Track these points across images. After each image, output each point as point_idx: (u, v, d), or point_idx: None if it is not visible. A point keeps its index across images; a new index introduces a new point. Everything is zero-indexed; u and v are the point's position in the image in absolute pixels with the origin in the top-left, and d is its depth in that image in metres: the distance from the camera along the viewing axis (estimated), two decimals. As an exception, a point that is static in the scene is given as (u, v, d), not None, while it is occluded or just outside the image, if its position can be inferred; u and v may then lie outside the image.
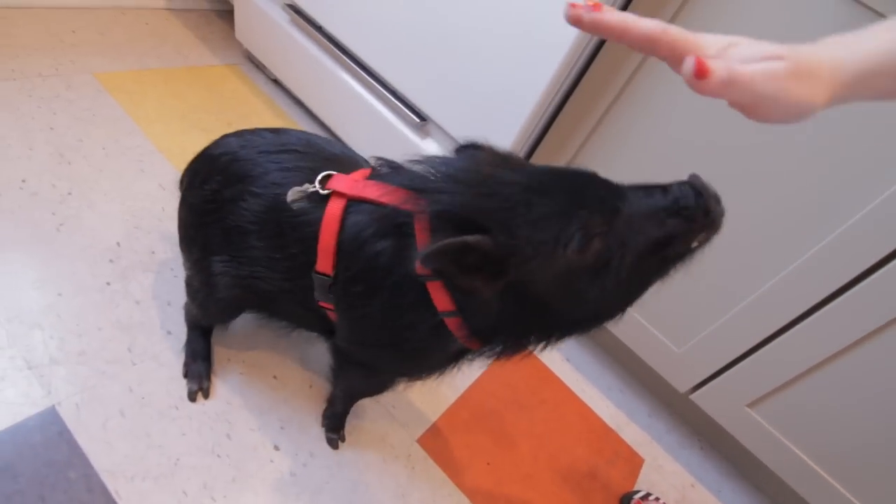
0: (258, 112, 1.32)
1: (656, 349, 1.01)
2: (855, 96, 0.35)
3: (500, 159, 0.51)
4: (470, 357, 0.62)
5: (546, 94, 0.88)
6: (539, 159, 1.01)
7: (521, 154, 0.99)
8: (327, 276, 0.58)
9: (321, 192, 0.56)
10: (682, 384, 1.01)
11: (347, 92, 1.16)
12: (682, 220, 0.45)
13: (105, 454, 0.67)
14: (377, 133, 1.15)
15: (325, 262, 0.57)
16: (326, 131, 1.32)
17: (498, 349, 0.55)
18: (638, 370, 1.18)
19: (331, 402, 0.80)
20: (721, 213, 0.45)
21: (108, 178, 0.97)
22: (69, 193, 0.91)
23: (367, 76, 1.12)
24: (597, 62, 0.88)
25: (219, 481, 0.70)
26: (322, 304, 0.62)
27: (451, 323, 0.53)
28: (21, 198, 0.86)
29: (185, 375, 0.77)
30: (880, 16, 0.66)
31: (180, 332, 0.82)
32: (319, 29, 1.17)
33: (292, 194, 0.56)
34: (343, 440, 0.81)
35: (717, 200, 0.45)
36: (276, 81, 1.43)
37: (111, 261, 0.85)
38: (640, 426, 1.10)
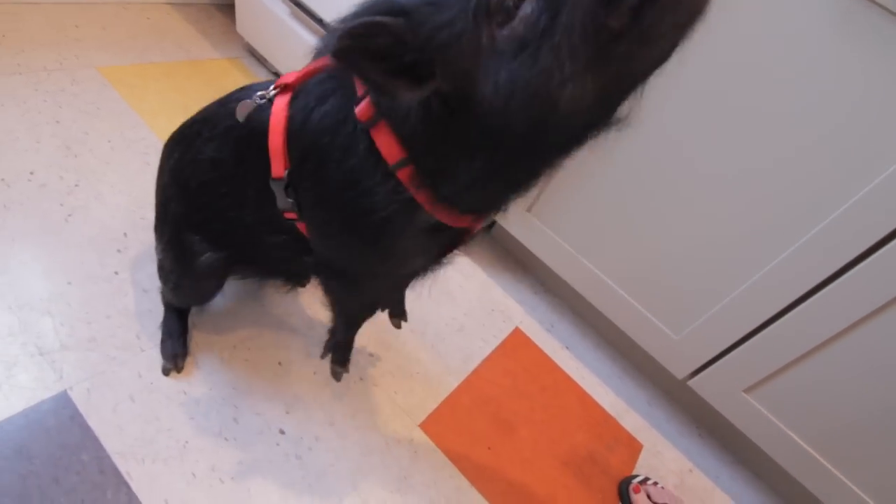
0: (260, 105, 1.33)
1: (654, 336, 1.03)
2: None
3: None
4: (450, 244, 0.57)
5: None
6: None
7: None
8: (281, 178, 0.55)
9: (269, 94, 0.53)
10: (679, 370, 1.02)
11: (348, 84, 1.17)
12: None
13: (116, 437, 0.68)
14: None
15: (277, 165, 0.54)
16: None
17: (464, 205, 0.49)
18: (637, 358, 1.20)
19: (332, 331, 0.78)
20: None
21: (115, 169, 0.98)
22: (76, 185, 0.92)
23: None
24: None
25: (226, 463, 0.72)
26: (287, 215, 0.58)
27: (404, 175, 0.48)
28: (30, 189, 0.88)
29: (161, 353, 0.78)
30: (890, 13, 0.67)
31: (189, 318, 0.83)
32: (320, 21, 1.18)
33: (239, 108, 0.54)
34: (347, 371, 0.79)
35: None
36: (277, 74, 1.45)
37: (119, 251, 0.87)
38: (640, 413, 1.12)
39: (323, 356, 0.81)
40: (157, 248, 0.75)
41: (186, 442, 0.72)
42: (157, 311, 0.82)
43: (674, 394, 1.18)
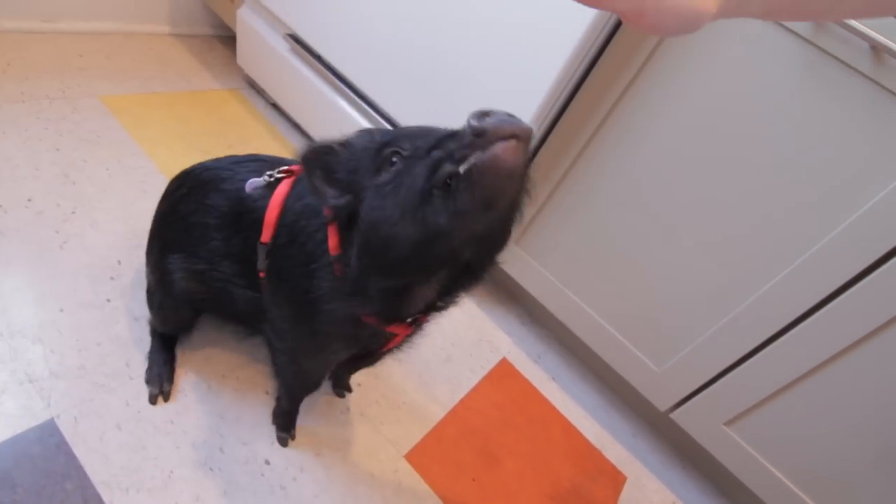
0: (257, 135, 1.36)
1: (637, 368, 1.05)
2: (743, 10, 0.34)
3: None
4: (368, 339, 0.65)
5: (539, 112, 0.93)
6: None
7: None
8: (266, 244, 0.64)
9: (277, 175, 0.64)
10: (662, 403, 1.04)
11: (344, 118, 1.21)
12: (455, 141, 0.44)
13: (101, 466, 0.69)
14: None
15: (267, 233, 0.64)
16: (323, 154, 1.37)
17: (362, 304, 0.55)
18: (621, 390, 1.21)
19: (278, 399, 0.83)
20: (484, 127, 0.40)
21: (111, 197, 1.00)
22: (73, 212, 0.94)
23: (363, 104, 1.17)
24: (593, 75, 0.93)
25: (211, 493, 0.72)
26: (262, 273, 0.67)
27: (337, 268, 0.56)
28: (27, 216, 0.90)
29: (147, 381, 0.79)
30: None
31: (177, 347, 0.84)
32: (318, 58, 1.23)
33: (250, 185, 0.63)
34: (293, 438, 0.82)
35: (485, 115, 0.40)
36: (275, 106, 1.49)
37: (112, 278, 0.89)
38: (624, 445, 1.13)
39: (274, 422, 0.83)
40: (146, 273, 0.79)
41: (171, 471, 0.72)
42: (148, 340, 0.83)
43: (657, 426, 1.20)
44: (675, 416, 1.03)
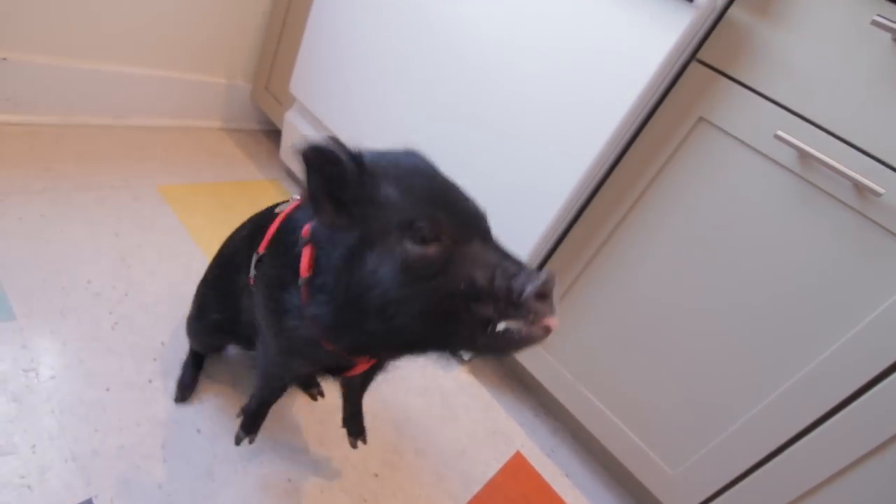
0: (292, 222, 1.48)
1: (651, 470, 1.06)
2: None
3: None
4: (325, 361, 0.66)
5: (553, 223, 1.02)
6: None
7: (538, 260, 1.11)
8: (259, 253, 0.67)
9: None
10: (677, 508, 1.04)
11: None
12: (502, 287, 0.45)
13: (131, 550, 0.71)
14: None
15: (263, 245, 0.67)
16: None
17: (323, 330, 0.55)
18: (635, 490, 1.20)
19: (252, 395, 0.82)
20: (530, 306, 0.44)
21: (159, 280, 1.09)
22: (126, 294, 1.02)
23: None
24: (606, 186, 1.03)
25: (231, 585, 0.73)
26: (250, 280, 0.70)
27: (304, 292, 0.55)
28: (85, 297, 0.98)
29: (178, 385, 0.93)
30: (824, 195, 0.81)
31: (211, 433, 0.89)
32: (355, 158, 1.36)
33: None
34: (251, 442, 0.83)
35: (542, 296, 0.44)
36: (310, 194, 1.61)
37: (155, 359, 0.95)
38: (639, 550, 1.11)
39: (238, 416, 0.84)
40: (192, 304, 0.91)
41: (196, 559, 0.74)
42: (183, 422, 0.88)
43: (673, 531, 1.17)
44: (691, 522, 1.02)
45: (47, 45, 1.25)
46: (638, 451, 1.07)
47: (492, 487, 1.07)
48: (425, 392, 1.19)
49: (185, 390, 0.92)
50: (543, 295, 0.45)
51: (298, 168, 1.53)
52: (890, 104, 0.76)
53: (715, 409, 0.96)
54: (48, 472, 0.74)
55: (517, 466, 1.15)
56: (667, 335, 1.00)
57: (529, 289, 0.44)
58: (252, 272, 0.70)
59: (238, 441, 0.82)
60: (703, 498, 1.00)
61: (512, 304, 0.44)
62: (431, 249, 0.46)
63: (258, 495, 0.85)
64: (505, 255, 0.49)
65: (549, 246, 1.09)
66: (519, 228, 1.05)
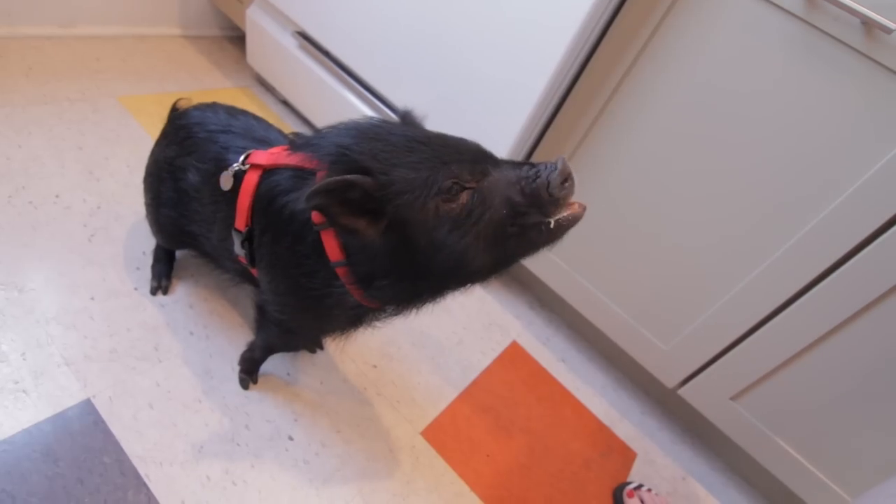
0: (268, 131, 1.40)
1: (644, 347, 1.08)
2: None
3: (405, 122, 0.59)
4: (370, 318, 0.68)
5: (540, 102, 0.96)
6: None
7: (522, 154, 1.07)
8: (241, 232, 0.68)
9: (243, 168, 0.66)
10: (669, 380, 1.07)
11: (353, 111, 1.24)
12: (534, 192, 0.50)
13: (136, 442, 0.73)
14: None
15: (240, 221, 0.67)
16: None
17: (384, 302, 0.61)
18: (629, 369, 1.24)
19: (250, 348, 0.84)
20: (562, 195, 0.50)
21: (133, 192, 1.05)
22: (98, 207, 0.99)
23: (371, 96, 1.20)
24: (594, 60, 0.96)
25: (238, 467, 0.76)
26: (240, 258, 0.71)
27: (341, 271, 0.59)
28: (55, 211, 0.94)
29: (152, 277, 0.92)
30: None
31: (202, 332, 0.89)
32: (327, 54, 1.26)
33: (223, 179, 0.67)
34: (255, 382, 0.86)
35: (565, 181, 0.50)
36: (285, 102, 1.53)
37: (138, 268, 0.93)
38: (633, 423, 1.16)
39: (239, 364, 0.86)
40: (144, 199, 0.86)
41: (201, 447, 0.76)
42: (174, 325, 0.88)
43: (666, 403, 1.22)
44: (683, 392, 1.05)
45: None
46: (632, 330, 1.08)
47: (489, 374, 1.09)
48: (419, 290, 1.19)
49: (158, 281, 0.91)
50: (566, 179, 0.50)
51: (270, 74, 1.44)
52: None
53: (706, 282, 0.96)
54: (41, 376, 0.74)
55: (514, 354, 1.17)
56: (657, 212, 0.98)
57: (555, 180, 0.49)
58: (240, 250, 0.69)
59: (245, 384, 0.85)
60: (694, 368, 1.03)
61: (550, 201, 0.50)
62: (464, 197, 0.51)
63: (258, 388, 0.86)
64: (517, 165, 0.53)
65: (538, 129, 1.03)
66: (505, 112, 0.99)
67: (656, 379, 1.10)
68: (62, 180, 1.00)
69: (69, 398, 0.73)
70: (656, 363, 1.08)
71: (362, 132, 0.54)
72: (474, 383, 1.06)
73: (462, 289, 0.59)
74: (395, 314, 0.65)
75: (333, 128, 0.57)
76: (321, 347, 0.97)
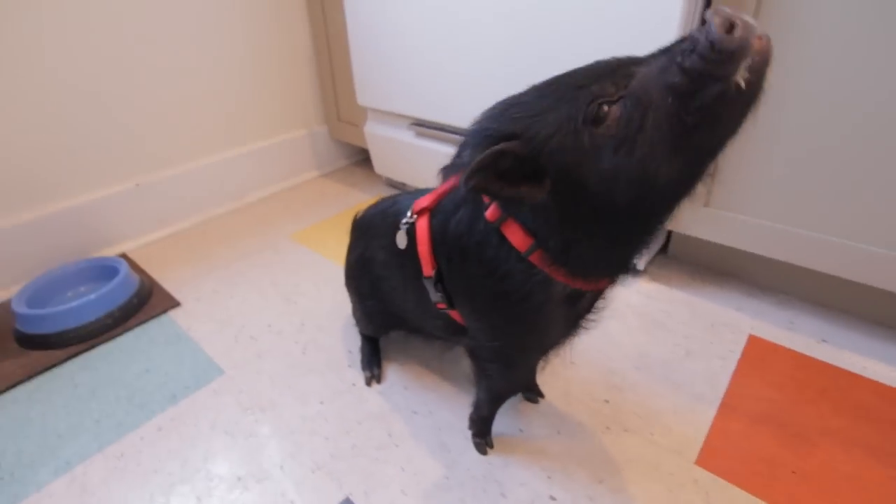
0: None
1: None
2: None
3: None
4: (585, 308, 0.63)
5: None
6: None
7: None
8: (430, 277, 0.67)
9: (411, 220, 0.68)
10: None
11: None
12: (698, 62, 0.38)
13: (403, 531, 0.69)
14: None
15: (426, 267, 0.67)
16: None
17: (591, 271, 0.54)
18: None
19: (476, 407, 0.80)
20: (736, 44, 0.36)
21: (325, 305, 1.13)
22: (302, 324, 1.07)
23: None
24: None
25: (511, 540, 0.68)
26: (439, 305, 0.70)
27: (535, 258, 0.54)
28: (271, 338, 1.04)
29: (362, 368, 0.95)
30: None
31: (424, 409, 0.87)
32: (442, 129, 1.33)
33: (398, 239, 0.70)
34: (491, 446, 0.80)
35: (731, 28, 0.36)
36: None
37: (349, 365, 0.97)
38: (971, 392, 0.85)
39: (470, 428, 0.82)
40: (350, 297, 0.96)
41: (465, 525, 0.70)
42: (397, 409, 0.87)
43: None
44: None
45: (165, 161, 1.42)
46: (885, 261, 0.84)
47: (741, 377, 0.91)
48: (614, 313, 1.07)
49: (370, 371, 0.94)
50: (730, 25, 0.37)
51: (398, 173, 1.55)
52: None
53: None
54: (301, 485, 0.76)
55: (759, 350, 0.97)
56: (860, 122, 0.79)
57: (717, 35, 0.36)
58: (436, 296, 0.69)
59: (482, 449, 0.80)
60: None
61: (724, 58, 0.37)
62: (614, 111, 0.42)
63: (498, 453, 0.80)
64: (666, 49, 0.42)
65: None
66: None
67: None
68: (269, 312, 1.12)
69: (330, 500, 0.73)
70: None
71: (492, 111, 0.50)
72: (729, 393, 0.88)
73: (668, 214, 0.50)
74: (611, 284, 0.58)
75: (466, 133, 0.54)
76: (541, 394, 0.89)
